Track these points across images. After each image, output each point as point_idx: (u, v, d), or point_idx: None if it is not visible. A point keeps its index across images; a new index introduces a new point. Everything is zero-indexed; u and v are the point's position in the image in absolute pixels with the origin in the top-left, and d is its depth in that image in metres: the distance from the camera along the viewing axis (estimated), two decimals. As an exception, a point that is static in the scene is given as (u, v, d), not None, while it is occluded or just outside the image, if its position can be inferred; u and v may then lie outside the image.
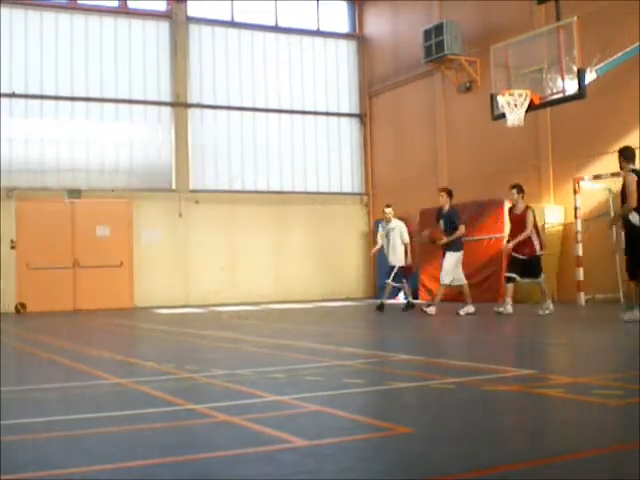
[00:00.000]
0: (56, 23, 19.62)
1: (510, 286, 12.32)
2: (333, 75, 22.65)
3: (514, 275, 12.24)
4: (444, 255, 13.07)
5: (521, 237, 12.02)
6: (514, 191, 12.31)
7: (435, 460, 3.10)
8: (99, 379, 5.86)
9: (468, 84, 18.69)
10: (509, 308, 12.08)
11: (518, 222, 12.24)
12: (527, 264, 12.12)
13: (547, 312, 11.86)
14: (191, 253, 20.20)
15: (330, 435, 3.58)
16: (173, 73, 20.64)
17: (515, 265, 12.26)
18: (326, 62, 22.60)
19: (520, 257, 12.14)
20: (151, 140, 20.39)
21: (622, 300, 13.89)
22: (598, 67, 13.59)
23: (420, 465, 3.03)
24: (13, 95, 19.05)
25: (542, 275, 12.25)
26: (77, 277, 19.16)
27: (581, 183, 15.07)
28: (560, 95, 13.71)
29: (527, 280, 12.37)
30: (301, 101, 22.09)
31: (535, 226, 12.23)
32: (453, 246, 12.95)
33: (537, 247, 12.13)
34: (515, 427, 3.84)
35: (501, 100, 13.90)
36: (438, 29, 18.59)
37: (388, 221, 14.37)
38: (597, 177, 14.90)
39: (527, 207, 12.29)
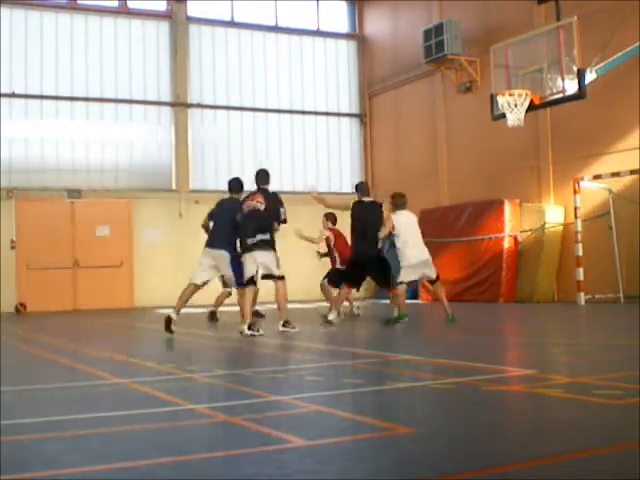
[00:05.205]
0: (56, 23, 19.63)
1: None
2: (333, 75, 22.65)
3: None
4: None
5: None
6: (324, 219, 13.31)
7: (435, 460, 3.10)
8: (99, 379, 5.86)
9: (468, 84, 18.69)
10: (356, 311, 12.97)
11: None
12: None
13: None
14: (191, 253, 20.12)
15: (330, 435, 3.58)
16: (173, 73, 20.64)
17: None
18: (326, 62, 22.59)
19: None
20: (151, 140, 20.39)
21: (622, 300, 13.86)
22: (598, 67, 13.61)
23: (420, 465, 3.03)
24: (13, 95, 19.05)
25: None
26: (77, 277, 19.15)
27: (581, 183, 15.07)
28: (560, 95, 13.72)
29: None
30: (301, 101, 22.08)
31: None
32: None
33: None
34: (515, 427, 3.84)
35: (501, 100, 13.90)
36: (438, 29, 18.60)
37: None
38: (597, 177, 14.90)
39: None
